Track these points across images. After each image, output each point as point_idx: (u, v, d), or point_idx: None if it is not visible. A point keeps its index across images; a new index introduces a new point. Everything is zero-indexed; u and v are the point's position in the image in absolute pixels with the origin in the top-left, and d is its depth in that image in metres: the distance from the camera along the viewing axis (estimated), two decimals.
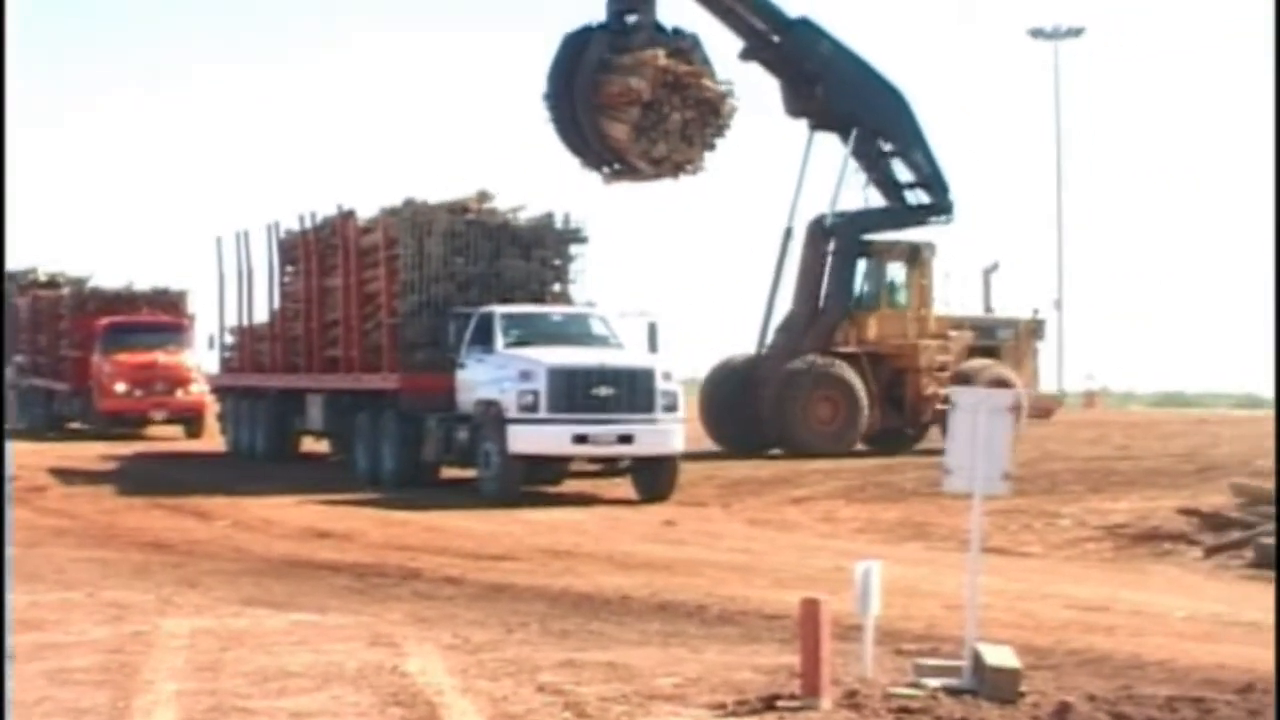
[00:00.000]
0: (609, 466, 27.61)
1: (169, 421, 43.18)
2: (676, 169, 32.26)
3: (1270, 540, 19.76)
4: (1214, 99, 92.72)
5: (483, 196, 31.24)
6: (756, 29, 34.07)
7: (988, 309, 37.27)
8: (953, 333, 35.39)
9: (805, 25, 34.23)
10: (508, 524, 23.42)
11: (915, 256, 35.21)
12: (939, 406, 32.60)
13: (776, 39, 34.21)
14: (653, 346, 28.22)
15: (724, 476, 29.60)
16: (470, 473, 27.70)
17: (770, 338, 35.36)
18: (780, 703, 10.40)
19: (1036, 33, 61.93)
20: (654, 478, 26.91)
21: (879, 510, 25.02)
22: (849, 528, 23.60)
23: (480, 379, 27.39)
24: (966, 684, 10.86)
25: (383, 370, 30.29)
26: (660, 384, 26.55)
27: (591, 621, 14.69)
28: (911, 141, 34.90)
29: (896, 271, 35.30)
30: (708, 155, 32.24)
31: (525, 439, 26.09)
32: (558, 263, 31.30)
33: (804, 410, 33.25)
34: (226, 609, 15.19)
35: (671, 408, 26.61)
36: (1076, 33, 61.65)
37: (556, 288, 31.16)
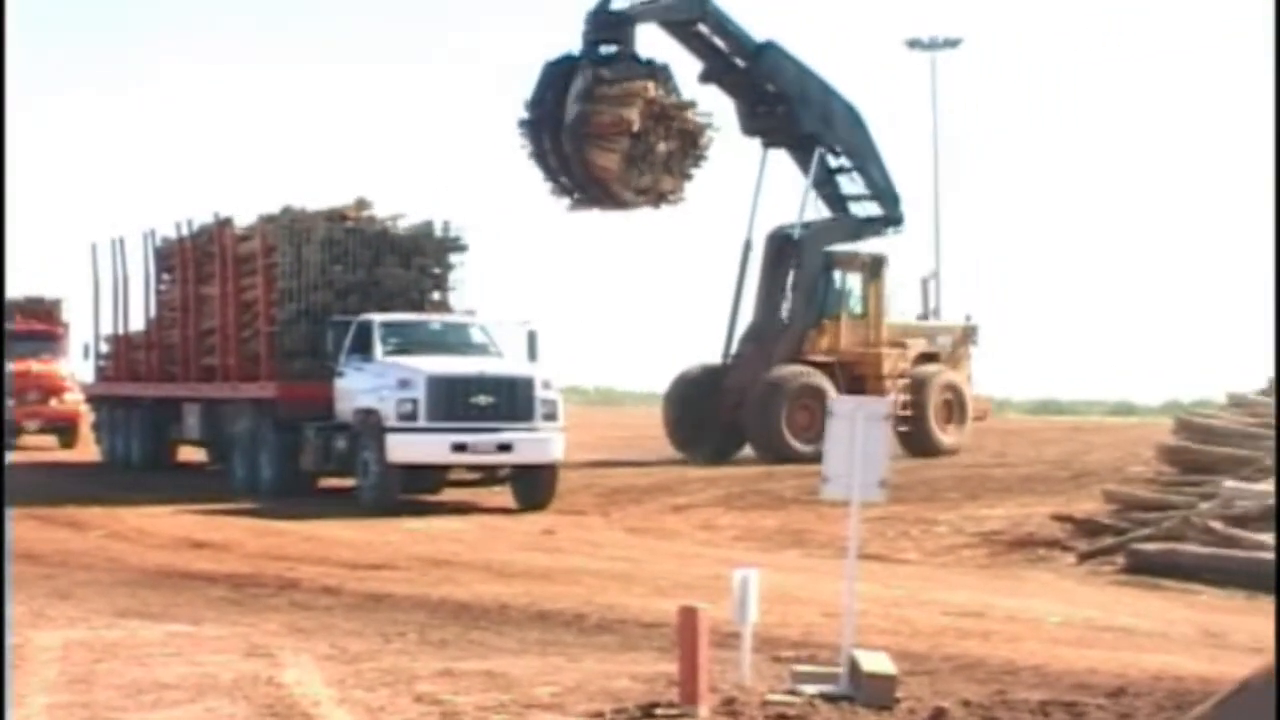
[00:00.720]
0: (488, 475, 27.53)
1: (43, 431, 42.62)
2: (660, 199, 33.10)
3: (1144, 545, 20.03)
4: (1090, 107, 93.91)
5: (361, 204, 31.10)
6: (720, 52, 34.80)
7: (925, 316, 38.05)
8: (910, 340, 36.21)
9: (773, 49, 35.06)
10: (386, 533, 23.31)
11: (877, 267, 36.06)
12: (900, 413, 33.63)
13: (741, 62, 34.96)
14: (532, 355, 28.19)
15: (603, 485, 29.62)
16: (349, 482, 27.57)
17: (734, 348, 35.83)
18: (658, 711, 10.41)
19: (914, 43, 62.37)
20: (533, 486, 26.88)
21: (758, 518, 25.13)
22: (728, 535, 23.68)
23: (359, 388, 27.25)
24: (843, 690, 10.92)
25: (260, 379, 30.06)
26: (540, 392, 26.53)
27: (470, 630, 14.65)
28: (868, 157, 36.00)
29: (856, 282, 36.05)
30: (686, 185, 33.28)
31: (404, 448, 25.98)
32: (437, 271, 31.21)
33: (788, 418, 33.64)
34: (100, 620, 15.02)
35: (551, 416, 26.59)
36: (954, 44, 62.12)
37: (436, 296, 31.05)
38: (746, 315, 36.09)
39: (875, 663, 11.02)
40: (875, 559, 19.99)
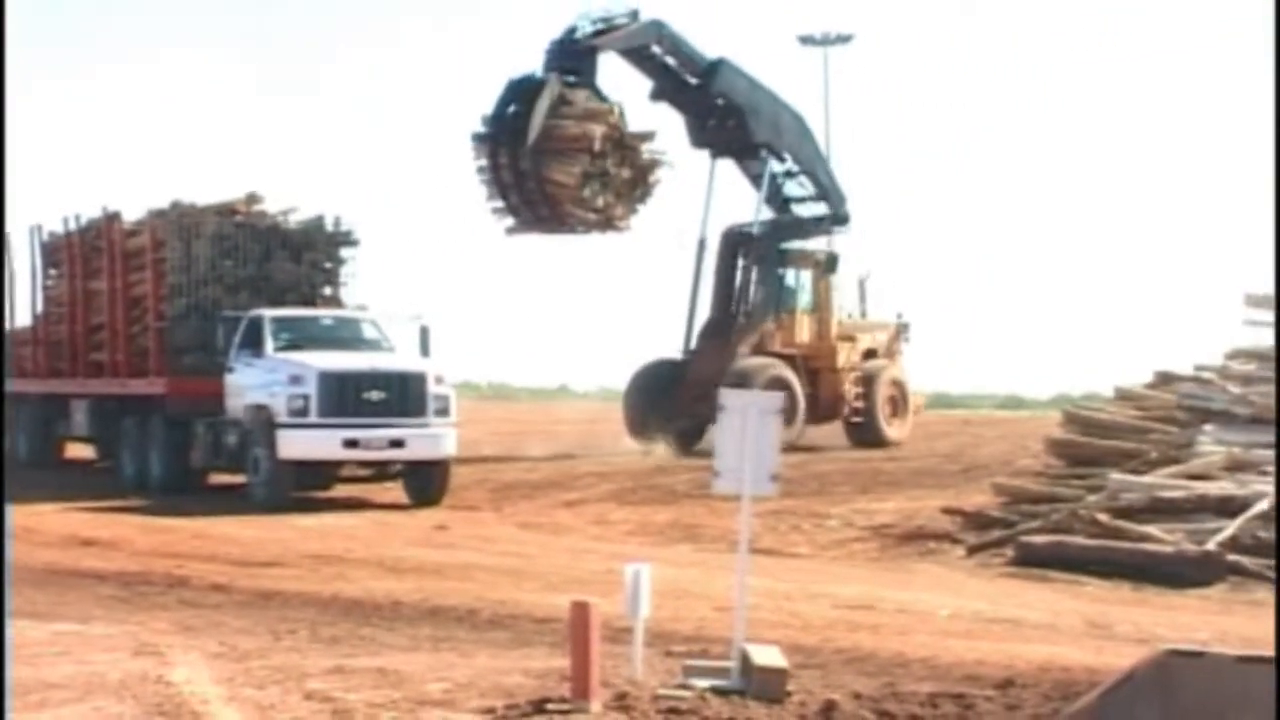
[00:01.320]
0: (380, 471, 27.43)
1: None
2: (607, 224, 33.77)
3: (1032, 538, 20.22)
4: (979, 104, 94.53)
5: (252, 199, 30.90)
6: (673, 71, 35.41)
7: (864, 314, 38.84)
8: (861, 335, 37.29)
9: (725, 65, 35.68)
10: (277, 530, 23.16)
11: (830, 264, 37.11)
12: (853, 404, 35.75)
13: (693, 80, 35.60)
14: (425, 350, 28.09)
15: (496, 480, 29.57)
16: (239, 478, 27.37)
17: (693, 343, 36.37)
18: (550, 706, 10.41)
19: (806, 39, 62.61)
20: (425, 482, 26.80)
21: (650, 513, 25.17)
22: (620, 530, 23.71)
23: (249, 383, 27.06)
24: (735, 684, 10.96)
25: (149, 375, 29.80)
26: (432, 388, 26.45)
27: (361, 627, 14.59)
28: (815, 161, 37.29)
29: (809, 278, 36.94)
30: (632, 217, 34.10)
31: (295, 444, 25.83)
32: (328, 266, 31.05)
33: None
34: None
35: (443, 411, 26.52)
36: (845, 39, 62.40)
37: (327, 291, 30.89)
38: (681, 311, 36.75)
39: (766, 656, 11.07)
40: (767, 553, 20.07)
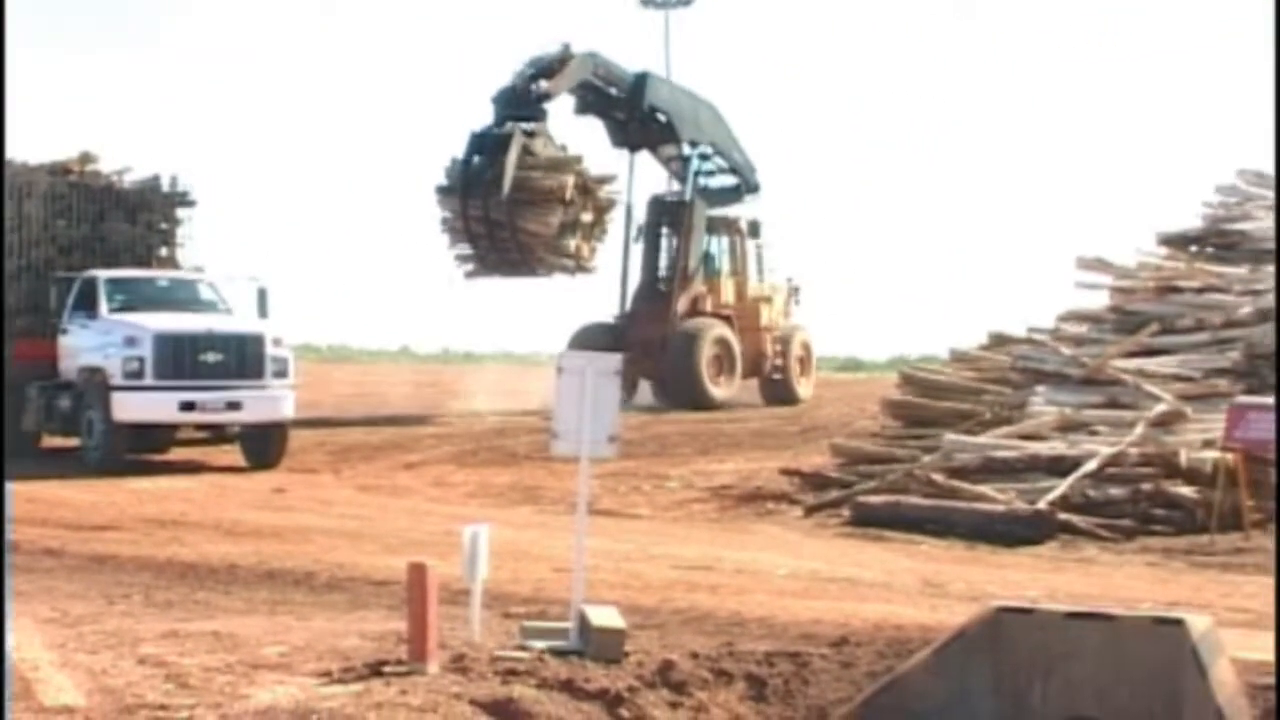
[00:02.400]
0: (217, 434, 27.14)
1: None
2: (579, 266, 35.75)
3: (868, 498, 20.45)
4: (816, 68, 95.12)
5: (86, 158, 30.38)
6: (596, 87, 37.01)
7: (761, 278, 40.18)
8: (775, 296, 39.16)
9: (649, 77, 37.94)
10: (112, 493, 22.88)
11: (753, 230, 39.37)
12: (774, 362, 38.06)
13: (614, 92, 37.38)
14: (263, 312, 27.81)
15: (336, 443, 29.40)
16: (74, 442, 26.97)
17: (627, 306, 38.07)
18: (386, 668, 10.37)
19: (647, 2, 62.60)
20: (264, 445, 26.57)
21: (490, 475, 25.15)
22: (460, 492, 23.67)
23: (84, 345, 26.66)
24: (573, 645, 10.98)
25: None
26: (270, 350, 26.20)
27: (196, 591, 14.46)
28: (730, 144, 39.32)
29: (731, 243, 39.09)
30: (596, 256, 36.28)
31: (130, 406, 25.50)
32: (164, 226, 30.63)
33: (708, 368, 35.96)
34: None
35: (282, 374, 26.29)
36: (687, 2, 62.51)
37: (163, 252, 30.47)
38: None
39: (604, 617, 11.10)
40: (607, 514, 20.14)
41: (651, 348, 35.91)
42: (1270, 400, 19.58)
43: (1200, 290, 23.34)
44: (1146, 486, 19.48)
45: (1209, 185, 25.96)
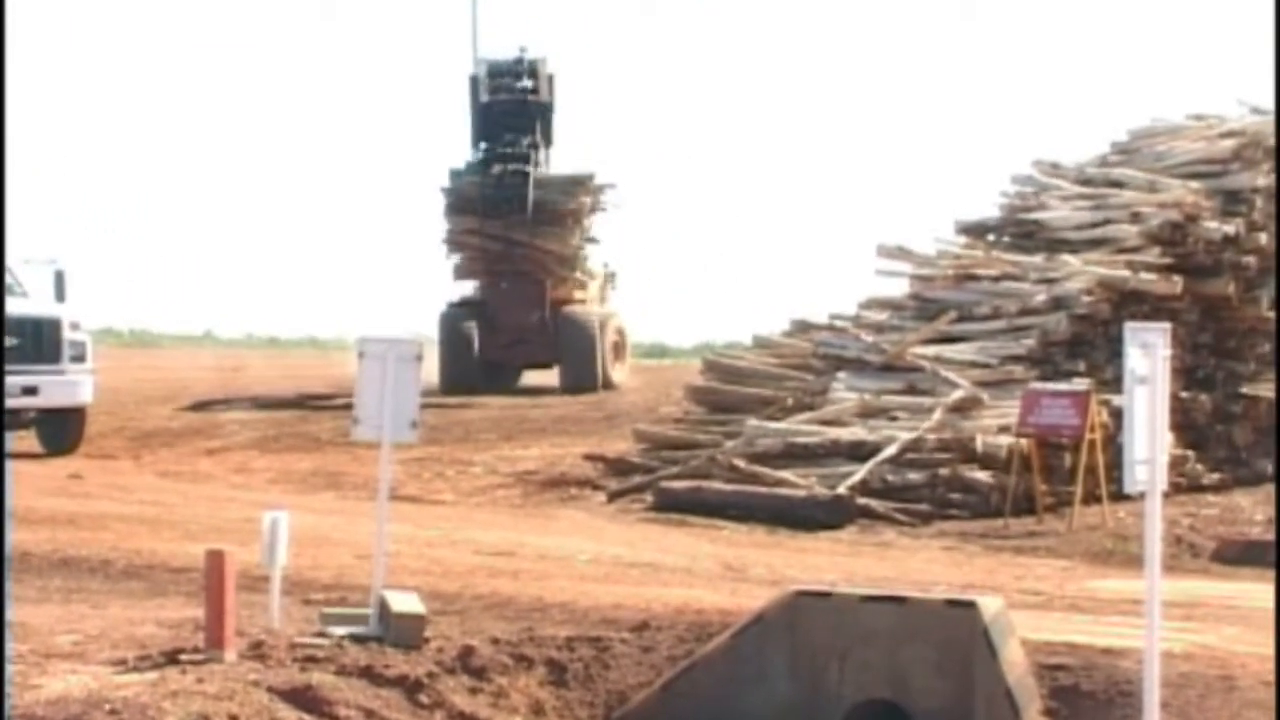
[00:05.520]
0: (13, 419, 26.60)
1: None
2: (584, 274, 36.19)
3: (672, 484, 20.60)
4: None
5: None
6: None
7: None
8: (591, 282, 38.36)
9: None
10: None
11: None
12: None
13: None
14: (60, 295, 27.28)
15: (135, 428, 28.98)
16: None
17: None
18: (184, 656, 10.25)
19: None
20: (61, 430, 26.11)
21: (293, 460, 24.95)
22: (262, 478, 23.47)
23: None
24: (373, 631, 10.94)
25: None
26: (68, 334, 25.75)
27: None
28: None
29: None
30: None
31: None
32: None
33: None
34: None
35: (80, 358, 25.85)
36: None
37: None
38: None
39: (404, 603, 11.08)
40: (410, 500, 20.09)
41: (528, 332, 35.69)
42: (1063, 386, 20.04)
43: (997, 279, 23.75)
44: (944, 471, 19.84)
45: (1006, 175, 26.39)
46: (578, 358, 35.70)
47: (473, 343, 35.80)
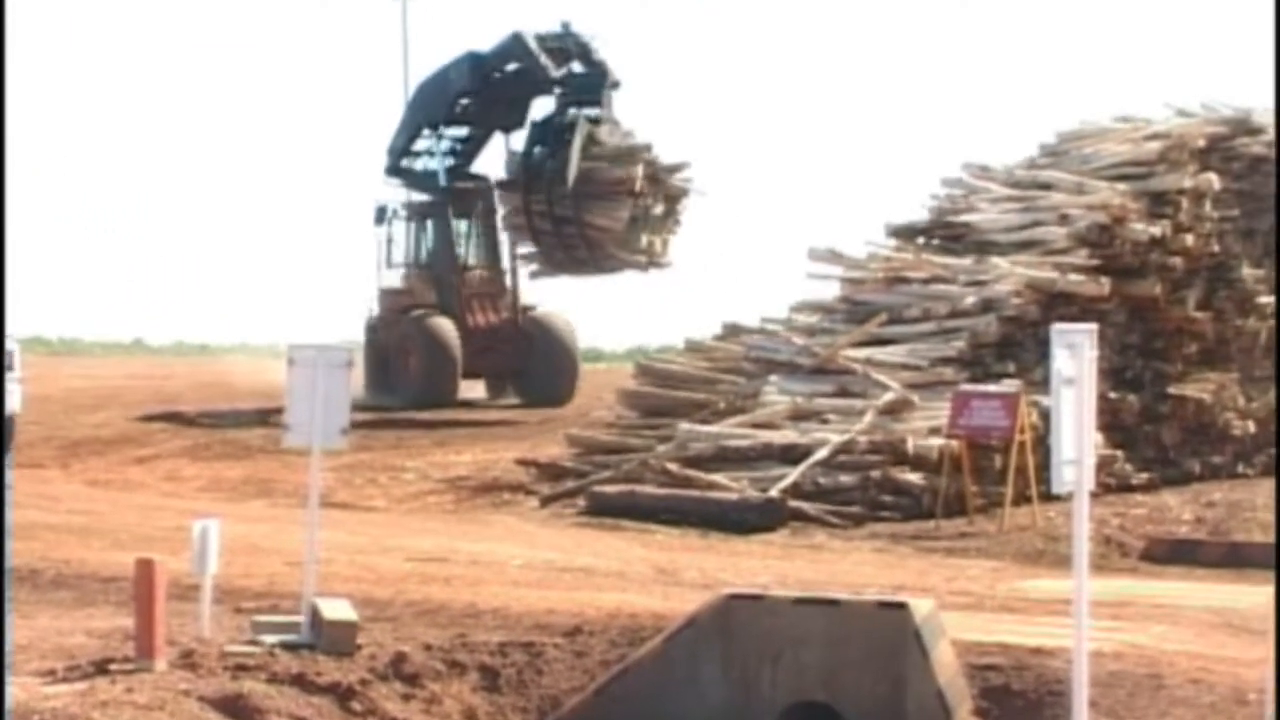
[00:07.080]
0: None
1: None
2: (651, 262, 32.70)
3: (604, 488, 20.60)
4: None
5: None
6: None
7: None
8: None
9: None
10: None
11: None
12: None
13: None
14: None
15: (65, 437, 28.74)
16: None
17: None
18: (113, 666, 10.22)
19: None
20: None
21: (224, 468, 24.82)
22: (193, 487, 23.35)
23: None
24: (304, 639, 10.93)
25: None
26: None
27: None
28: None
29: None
30: (669, 250, 32.91)
31: None
32: None
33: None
34: None
35: (9, 367, 25.64)
36: None
37: None
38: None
39: (336, 610, 11.06)
40: (342, 507, 20.01)
41: (497, 338, 34.08)
42: (993, 388, 20.15)
43: (927, 281, 23.84)
44: (875, 474, 19.91)
45: (935, 178, 26.49)
46: (552, 364, 33.91)
47: (382, 356, 35.09)
